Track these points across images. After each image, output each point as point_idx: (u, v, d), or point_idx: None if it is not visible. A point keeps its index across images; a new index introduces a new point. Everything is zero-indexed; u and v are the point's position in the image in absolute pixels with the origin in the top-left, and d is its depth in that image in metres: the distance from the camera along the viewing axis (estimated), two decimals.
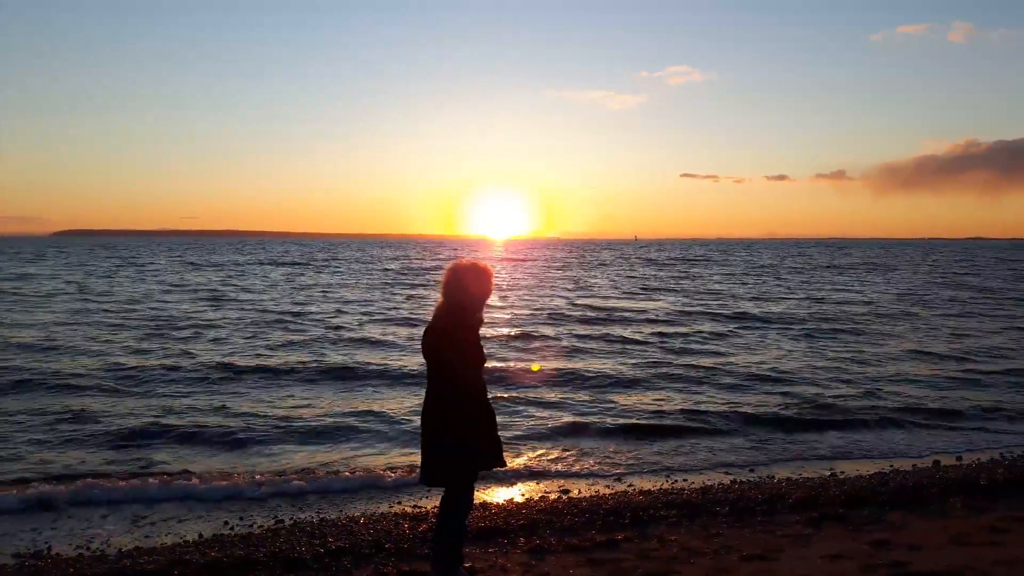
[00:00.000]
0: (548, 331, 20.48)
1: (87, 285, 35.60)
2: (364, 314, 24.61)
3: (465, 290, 4.46)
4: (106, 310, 24.50)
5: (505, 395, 12.07)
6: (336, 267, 58.64)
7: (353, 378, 13.64)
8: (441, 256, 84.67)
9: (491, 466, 4.61)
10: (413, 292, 34.75)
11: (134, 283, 37.84)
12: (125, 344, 17.14)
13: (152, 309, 25.18)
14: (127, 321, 21.49)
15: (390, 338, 18.93)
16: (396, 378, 13.66)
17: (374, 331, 20.19)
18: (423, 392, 4.69)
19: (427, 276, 47.34)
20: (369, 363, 14.99)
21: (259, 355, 15.95)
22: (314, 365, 14.62)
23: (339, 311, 25.38)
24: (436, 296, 4.70)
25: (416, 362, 14.73)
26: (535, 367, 14.58)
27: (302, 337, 18.72)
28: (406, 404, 11.43)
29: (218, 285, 37.01)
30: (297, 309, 25.87)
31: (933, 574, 4.86)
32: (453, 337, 4.40)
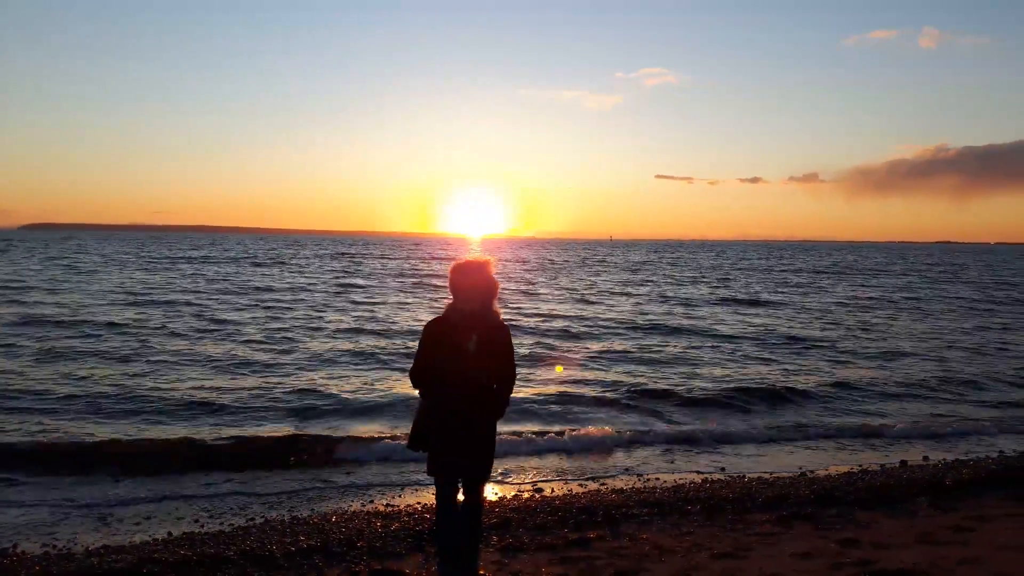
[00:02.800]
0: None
1: None
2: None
3: (453, 289, 4.52)
4: None
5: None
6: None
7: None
8: (416, 256, 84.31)
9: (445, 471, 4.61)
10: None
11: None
12: None
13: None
14: None
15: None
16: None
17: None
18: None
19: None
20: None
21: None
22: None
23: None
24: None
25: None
26: (559, 368, 14.49)
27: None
28: None
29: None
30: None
31: (900, 572, 4.93)
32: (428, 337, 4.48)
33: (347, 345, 17.00)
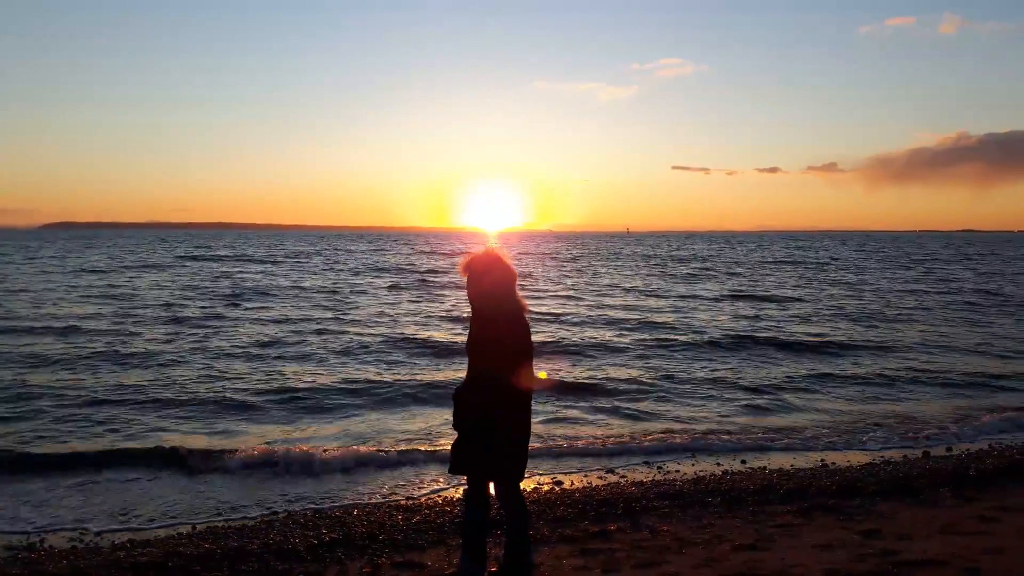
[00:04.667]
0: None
1: None
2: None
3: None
4: None
5: None
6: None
7: None
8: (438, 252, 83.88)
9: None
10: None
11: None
12: None
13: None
14: None
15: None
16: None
17: None
18: None
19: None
20: None
21: None
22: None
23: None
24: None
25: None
26: (542, 375, 13.86)
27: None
28: None
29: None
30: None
31: (922, 563, 4.90)
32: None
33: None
